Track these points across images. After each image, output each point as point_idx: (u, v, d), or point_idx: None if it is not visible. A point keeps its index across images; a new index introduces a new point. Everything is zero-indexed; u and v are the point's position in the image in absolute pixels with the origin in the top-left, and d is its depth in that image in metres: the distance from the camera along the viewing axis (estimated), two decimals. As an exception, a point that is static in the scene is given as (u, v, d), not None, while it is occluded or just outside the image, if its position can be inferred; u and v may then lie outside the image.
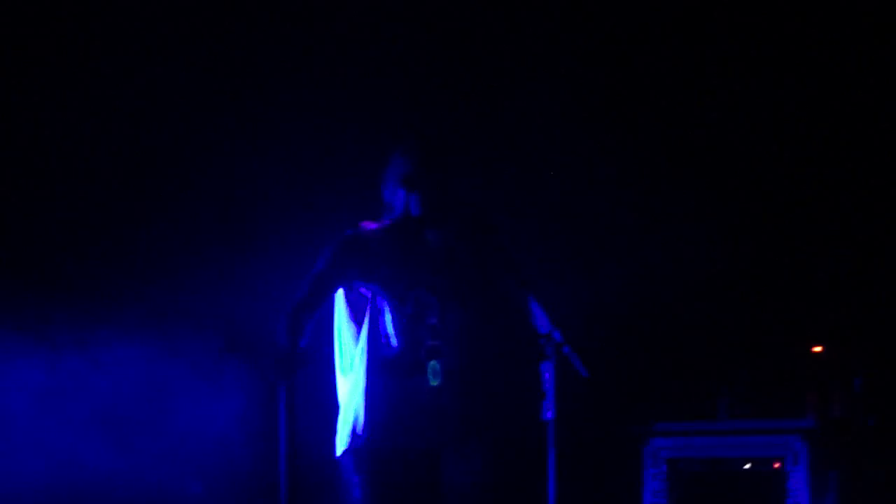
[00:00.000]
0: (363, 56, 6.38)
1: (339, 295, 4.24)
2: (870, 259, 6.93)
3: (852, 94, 6.74)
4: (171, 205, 6.16)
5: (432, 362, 4.13)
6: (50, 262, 5.92)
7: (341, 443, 4.20)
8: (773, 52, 6.73)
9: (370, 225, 4.28)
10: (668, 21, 6.72)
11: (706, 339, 7.01)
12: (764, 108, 6.89)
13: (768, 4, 6.64)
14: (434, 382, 4.12)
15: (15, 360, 5.81)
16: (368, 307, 4.19)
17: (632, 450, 6.69)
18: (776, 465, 6.41)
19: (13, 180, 5.84)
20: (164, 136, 6.09)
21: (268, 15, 6.21)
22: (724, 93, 6.88)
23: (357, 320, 4.22)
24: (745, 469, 6.55)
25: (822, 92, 6.77)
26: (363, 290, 4.20)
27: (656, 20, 6.74)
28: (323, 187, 6.29)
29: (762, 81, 6.84)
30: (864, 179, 6.89)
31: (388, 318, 4.17)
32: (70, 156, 5.93)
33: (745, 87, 6.86)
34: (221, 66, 6.14)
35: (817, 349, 6.84)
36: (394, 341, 4.17)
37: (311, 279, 4.18)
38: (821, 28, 6.58)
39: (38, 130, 5.88)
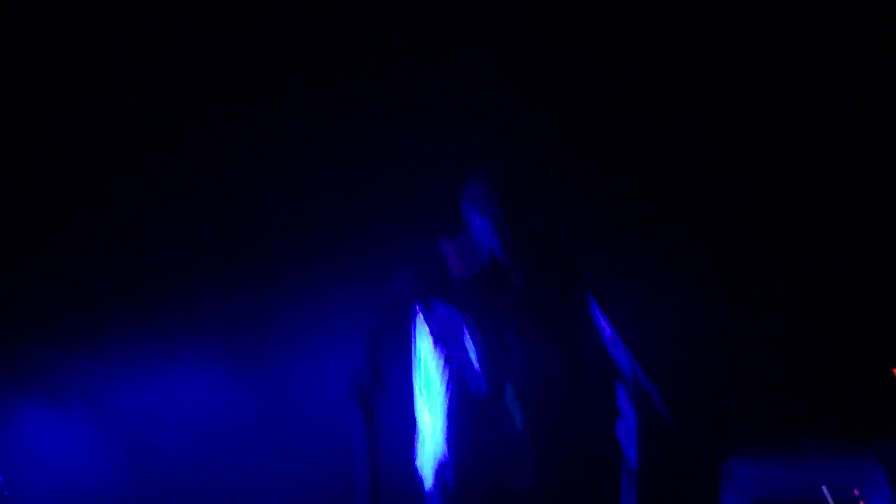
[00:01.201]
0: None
1: (421, 318, 4.24)
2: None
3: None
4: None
5: (517, 406, 4.13)
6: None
7: (428, 476, 4.21)
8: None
9: (448, 245, 4.24)
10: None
11: (787, 364, 6.95)
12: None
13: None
14: (519, 426, 4.12)
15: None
16: (451, 337, 4.20)
17: (710, 475, 6.65)
18: (856, 492, 6.35)
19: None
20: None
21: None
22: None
23: (441, 347, 4.22)
24: (825, 496, 6.49)
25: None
26: (446, 314, 4.19)
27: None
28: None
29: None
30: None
31: (472, 352, 4.17)
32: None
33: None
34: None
35: (901, 373, 6.77)
36: (478, 385, 4.16)
37: (387, 298, 4.20)
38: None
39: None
